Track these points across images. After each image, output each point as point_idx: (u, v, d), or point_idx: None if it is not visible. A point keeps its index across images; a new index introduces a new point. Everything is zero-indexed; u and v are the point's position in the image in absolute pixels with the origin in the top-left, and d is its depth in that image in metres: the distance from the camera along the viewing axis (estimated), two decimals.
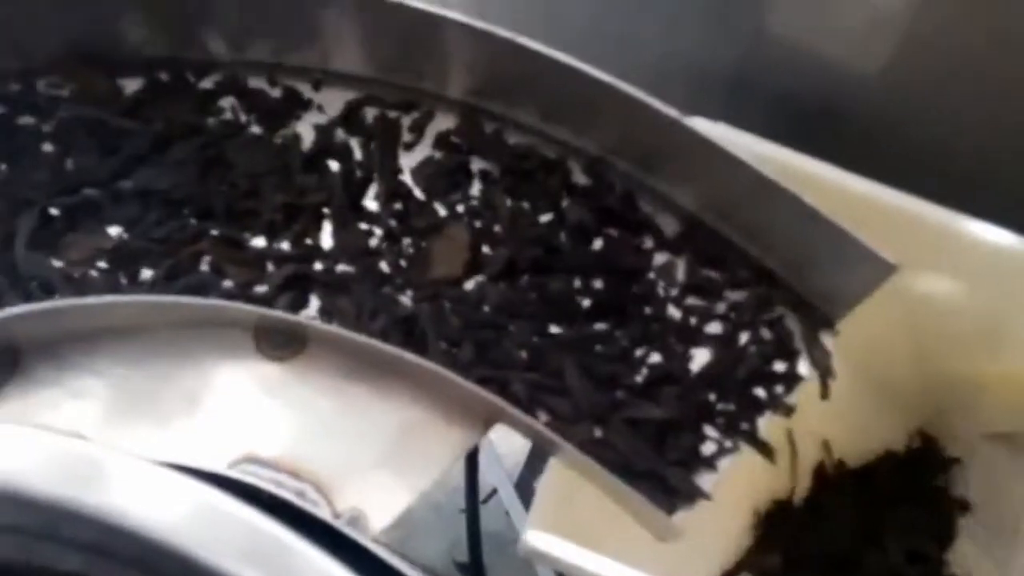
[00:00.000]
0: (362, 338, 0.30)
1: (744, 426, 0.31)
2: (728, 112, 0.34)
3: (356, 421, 0.31)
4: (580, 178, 0.34)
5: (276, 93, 0.34)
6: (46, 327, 0.31)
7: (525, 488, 0.54)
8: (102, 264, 0.31)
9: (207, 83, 0.34)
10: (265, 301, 0.31)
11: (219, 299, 0.31)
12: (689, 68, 0.42)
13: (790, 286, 0.32)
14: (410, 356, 0.29)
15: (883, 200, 0.38)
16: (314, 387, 0.31)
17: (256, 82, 0.33)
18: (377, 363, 0.31)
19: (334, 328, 0.31)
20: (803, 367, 0.33)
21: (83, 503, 0.19)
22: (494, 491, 0.57)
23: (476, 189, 0.34)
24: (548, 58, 0.29)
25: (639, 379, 0.32)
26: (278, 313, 0.31)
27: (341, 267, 0.32)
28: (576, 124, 0.32)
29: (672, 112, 0.29)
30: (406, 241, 0.32)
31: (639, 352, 0.32)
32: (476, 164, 0.34)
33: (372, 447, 0.31)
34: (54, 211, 0.32)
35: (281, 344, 0.31)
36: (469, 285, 0.32)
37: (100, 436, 0.31)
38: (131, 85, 0.34)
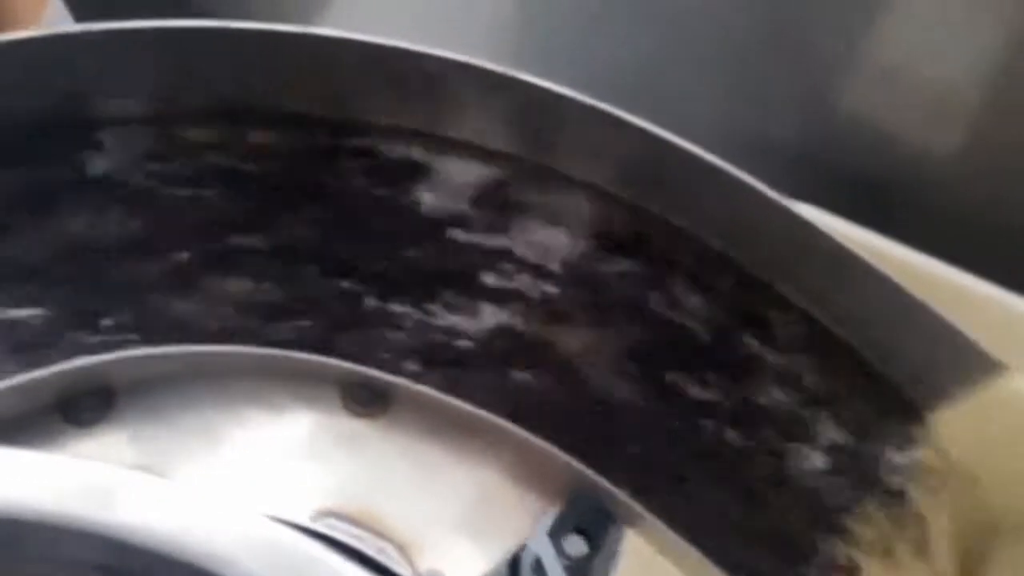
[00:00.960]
0: (451, 399, 0.31)
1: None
2: (787, 186, 0.34)
3: (438, 482, 0.31)
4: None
5: (410, 157, 0.34)
6: (142, 370, 0.32)
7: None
8: (225, 310, 0.32)
9: (348, 143, 0.35)
10: (353, 357, 0.31)
11: (311, 353, 0.32)
12: (748, 139, 0.42)
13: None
14: (500, 420, 0.30)
15: (979, 292, 0.37)
16: (398, 445, 0.32)
17: (388, 146, 0.33)
18: (462, 425, 0.31)
19: (424, 389, 0.31)
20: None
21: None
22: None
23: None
24: (686, 152, 0.29)
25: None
26: (366, 369, 0.31)
27: (460, 342, 0.32)
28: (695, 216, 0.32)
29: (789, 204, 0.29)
30: (529, 323, 0.32)
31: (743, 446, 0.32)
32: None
33: (453, 509, 0.31)
34: (182, 256, 0.33)
35: (367, 401, 0.32)
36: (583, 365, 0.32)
37: (183, 477, 0.32)
38: (270, 138, 0.34)
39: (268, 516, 0.22)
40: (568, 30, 0.44)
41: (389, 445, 0.32)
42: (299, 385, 0.32)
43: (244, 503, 0.31)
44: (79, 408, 0.32)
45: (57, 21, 0.71)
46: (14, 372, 0.32)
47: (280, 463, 0.32)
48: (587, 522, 0.33)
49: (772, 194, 0.28)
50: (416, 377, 0.31)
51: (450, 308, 0.32)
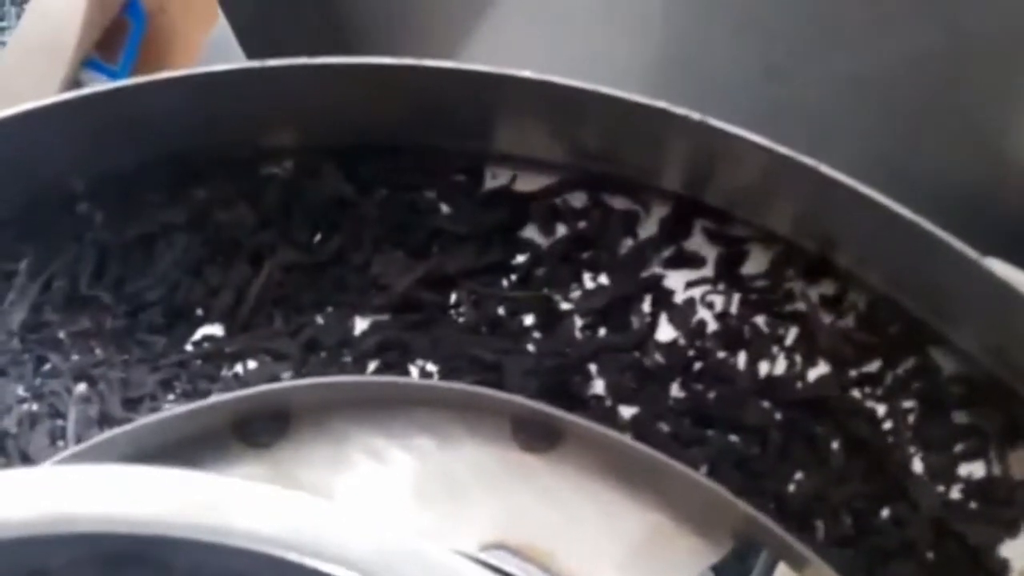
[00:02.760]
0: (622, 438, 0.31)
1: None
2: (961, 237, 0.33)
3: (606, 519, 0.31)
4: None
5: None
6: (318, 396, 0.33)
7: None
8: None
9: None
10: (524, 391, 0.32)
11: (482, 387, 0.32)
12: (921, 187, 0.41)
13: None
14: (672, 461, 0.30)
15: None
16: (568, 481, 0.32)
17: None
18: (632, 464, 0.31)
19: (595, 426, 0.31)
20: None
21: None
22: None
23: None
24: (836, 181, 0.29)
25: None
26: (537, 404, 0.32)
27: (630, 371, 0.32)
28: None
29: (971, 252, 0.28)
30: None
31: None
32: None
33: (619, 547, 0.31)
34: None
35: (538, 435, 0.32)
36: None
37: (352, 501, 0.32)
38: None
39: (436, 544, 0.22)
40: (732, 69, 0.44)
41: (558, 480, 0.32)
42: (470, 416, 0.32)
43: (412, 530, 0.31)
44: (255, 430, 0.33)
45: (220, 48, 0.74)
46: (194, 394, 0.33)
47: (448, 493, 0.32)
48: (753, 565, 0.33)
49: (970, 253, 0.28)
50: (594, 411, 0.31)
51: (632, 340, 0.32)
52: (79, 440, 0.31)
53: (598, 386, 0.32)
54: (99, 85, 0.32)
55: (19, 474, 0.22)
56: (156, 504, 0.21)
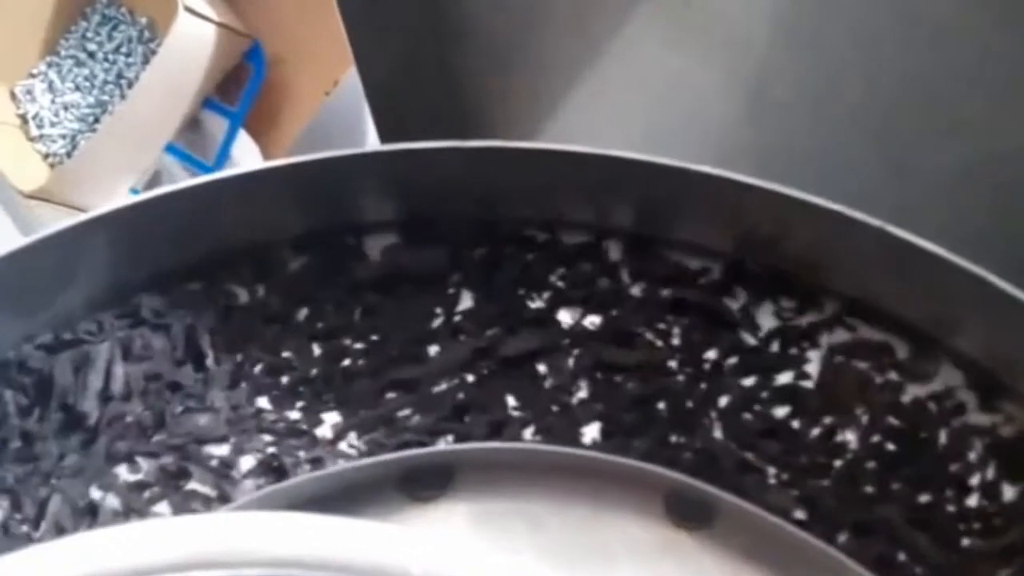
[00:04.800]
0: (779, 521, 0.32)
1: None
2: None
3: None
4: None
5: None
6: (484, 458, 0.34)
7: None
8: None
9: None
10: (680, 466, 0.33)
11: (640, 461, 0.33)
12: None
13: None
14: (832, 551, 0.31)
15: None
16: (719, 560, 0.33)
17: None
18: (787, 547, 0.32)
19: (751, 507, 0.32)
20: None
21: None
22: None
23: None
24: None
25: None
26: (693, 481, 0.33)
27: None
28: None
29: None
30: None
31: None
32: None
33: None
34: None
35: (691, 512, 0.33)
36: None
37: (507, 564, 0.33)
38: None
39: None
40: (810, 142, 0.45)
41: (709, 559, 0.33)
42: (626, 488, 0.34)
43: None
44: (420, 485, 0.34)
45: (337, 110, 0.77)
46: (364, 452, 0.34)
47: (599, 564, 0.33)
48: None
49: None
50: (751, 492, 0.32)
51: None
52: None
53: (757, 468, 0.33)
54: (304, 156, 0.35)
55: (196, 521, 0.23)
56: (331, 549, 0.23)
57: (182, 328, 0.36)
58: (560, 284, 0.36)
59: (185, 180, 0.78)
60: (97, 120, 0.83)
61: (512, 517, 0.34)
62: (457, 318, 0.36)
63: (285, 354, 0.36)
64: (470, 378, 0.35)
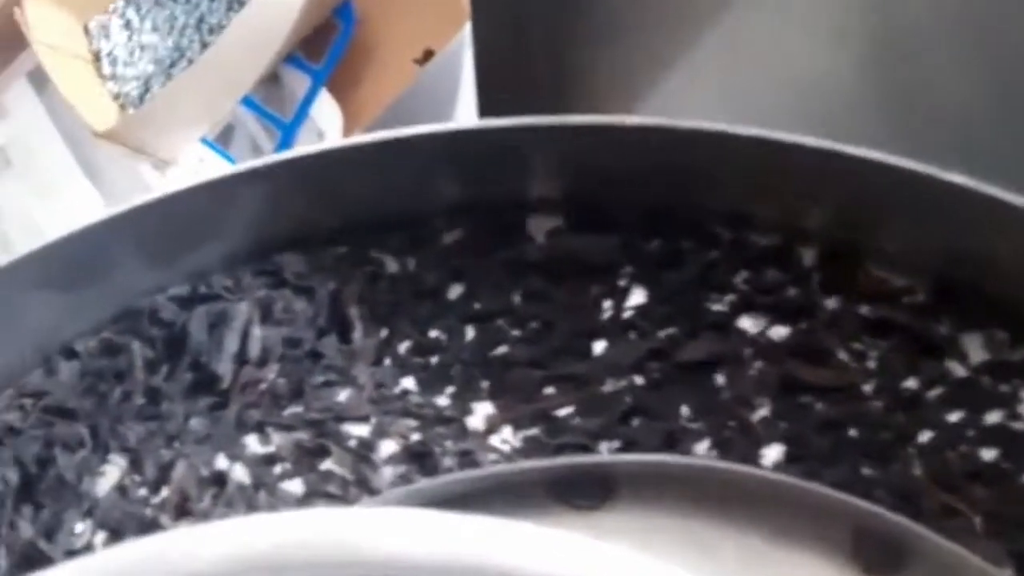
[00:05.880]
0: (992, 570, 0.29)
1: None
2: None
3: None
4: None
5: None
6: (646, 470, 0.31)
7: None
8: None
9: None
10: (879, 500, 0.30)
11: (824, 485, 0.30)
12: None
13: None
14: None
15: None
16: None
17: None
18: None
19: (950, 554, 0.29)
20: None
21: None
22: None
23: None
24: None
25: None
26: (889, 516, 0.30)
27: None
28: None
29: None
30: None
31: None
32: None
33: None
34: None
35: (884, 555, 0.30)
36: None
37: None
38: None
39: None
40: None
41: None
42: (808, 519, 0.31)
43: None
44: (578, 493, 0.31)
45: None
46: (518, 450, 0.31)
47: None
48: None
49: None
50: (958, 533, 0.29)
51: None
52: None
53: (962, 512, 0.30)
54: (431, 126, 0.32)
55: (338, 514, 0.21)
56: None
57: (327, 294, 0.33)
58: (744, 288, 0.33)
59: (262, 135, 0.75)
60: (173, 64, 0.80)
61: (679, 539, 0.31)
62: (628, 313, 0.33)
63: (434, 333, 0.33)
64: (640, 381, 0.32)
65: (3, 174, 0.88)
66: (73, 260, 0.31)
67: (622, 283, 0.34)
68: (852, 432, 0.31)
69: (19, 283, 0.30)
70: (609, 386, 0.32)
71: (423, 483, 0.30)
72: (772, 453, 0.32)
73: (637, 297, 0.33)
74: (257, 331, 0.32)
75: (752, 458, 0.31)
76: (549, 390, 0.32)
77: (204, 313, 0.32)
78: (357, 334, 0.32)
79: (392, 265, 0.34)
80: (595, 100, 0.58)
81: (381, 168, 0.33)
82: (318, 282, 0.33)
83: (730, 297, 0.33)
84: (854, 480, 0.31)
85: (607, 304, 0.33)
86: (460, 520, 0.20)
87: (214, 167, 0.77)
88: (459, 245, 0.34)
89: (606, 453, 0.31)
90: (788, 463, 0.31)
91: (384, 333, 0.33)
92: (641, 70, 0.54)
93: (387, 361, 0.33)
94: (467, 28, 0.67)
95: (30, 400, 0.31)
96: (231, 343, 0.32)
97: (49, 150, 0.85)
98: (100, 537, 0.30)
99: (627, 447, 0.32)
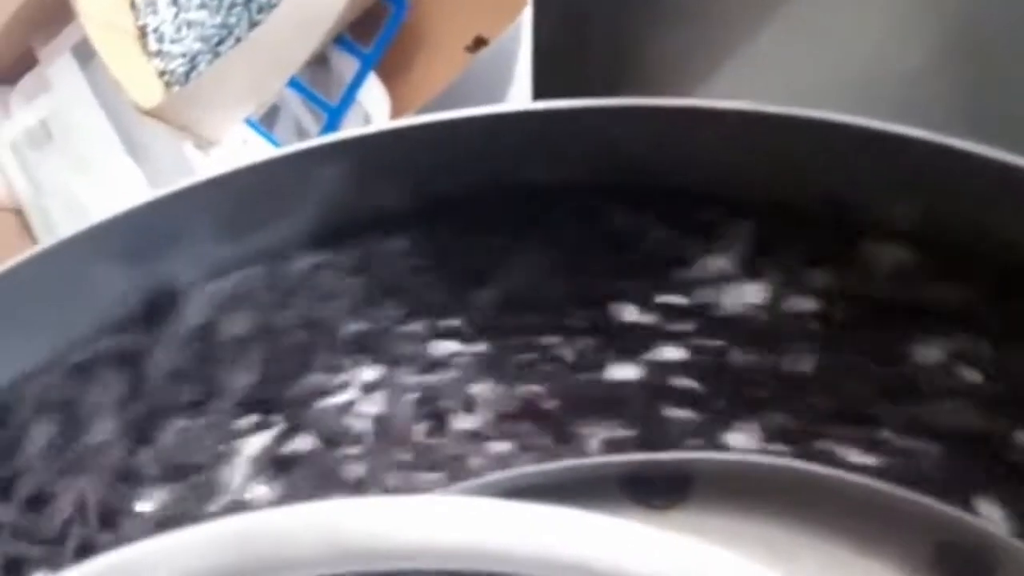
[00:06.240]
0: None
1: None
2: None
3: None
4: None
5: None
6: (727, 470, 0.30)
7: None
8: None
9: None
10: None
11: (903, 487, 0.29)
12: None
13: None
14: None
15: None
16: None
17: None
18: None
19: None
20: None
21: None
22: None
23: None
24: None
25: None
26: (976, 520, 0.29)
27: None
28: None
29: None
30: None
31: None
32: None
33: None
34: None
35: (965, 567, 0.29)
36: None
37: None
38: None
39: None
40: None
41: None
42: (892, 528, 0.30)
43: None
44: (652, 492, 0.30)
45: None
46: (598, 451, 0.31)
47: None
48: None
49: None
50: None
51: None
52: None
53: None
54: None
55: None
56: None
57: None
58: None
59: (308, 118, 0.74)
60: (221, 42, 0.79)
61: (758, 544, 0.30)
62: None
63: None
64: None
65: (44, 148, 0.88)
66: (145, 231, 0.30)
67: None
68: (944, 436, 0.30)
69: (90, 253, 0.29)
70: None
71: (496, 475, 0.29)
72: (854, 456, 0.31)
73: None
74: None
75: (835, 460, 0.30)
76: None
77: None
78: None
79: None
80: (650, 91, 0.57)
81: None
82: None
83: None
84: (944, 487, 0.30)
85: None
86: (576, 516, 0.19)
87: (260, 148, 0.76)
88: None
89: (684, 451, 0.30)
90: (873, 467, 0.30)
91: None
92: (700, 57, 0.53)
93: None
94: (521, 18, 0.66)
95: None
96: None
97: (91, 125, 0.85)
98: None
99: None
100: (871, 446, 0.30)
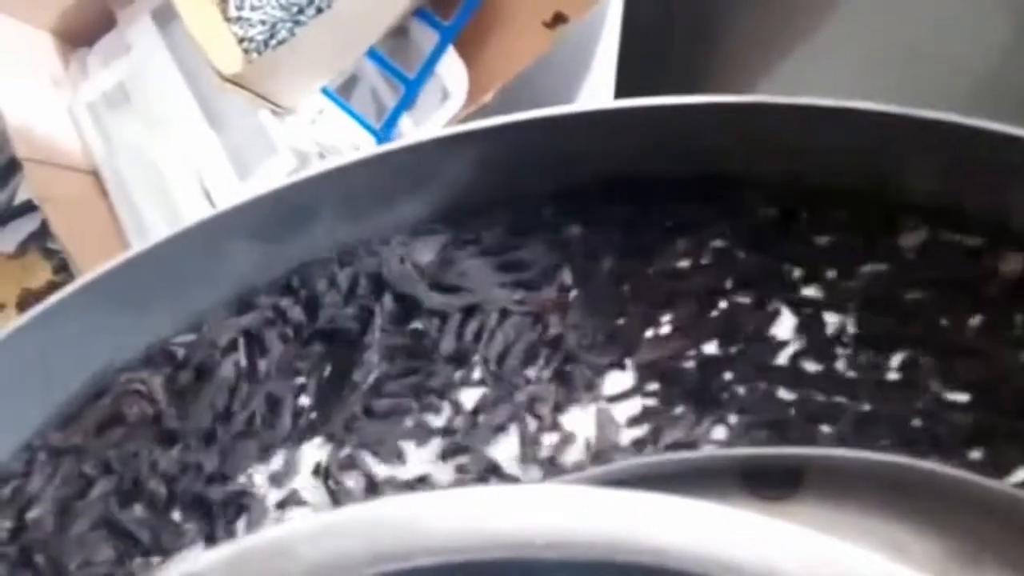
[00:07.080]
0: None
1: None
2: None
3: None
4: None
5: None
6: (837, 464, 0.31)
7: None
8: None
9: None
10: None
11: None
12: None
13: None
14: None
15: None
16: None
17: None
18: None
19: None
20: None
21: None
22: None
23: None
24: None
25: None
26: None
27: None
28: None
29: None
30: None
31: None
32: None
33: None
34: None
35: None
36: None
37: None
38: None
39: None
40: None
41: None
42: (1000, 523, 0.30)
43: None
44: (765, 484, 0.31)
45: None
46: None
47: None
48: None
49: None
50: None
51: None
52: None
53: None
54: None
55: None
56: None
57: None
58: None
59: (385, 89, 0.74)
60: (301, 11, 0.79)
61: (869, 537, 0.30)
62: None
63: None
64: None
65: (120, 109, 0.89)
66: (280, 212, 0.31)
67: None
68: None
69: (228, 231, 0.30)
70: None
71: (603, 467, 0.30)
72: (973, 453, 0.31)
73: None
74: None
75: (953, 453, 0.31)
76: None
77: None
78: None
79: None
80: (727, 79, 0.57)
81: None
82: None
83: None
84: None
85: None
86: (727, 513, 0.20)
87: (338, 118, 0.77)
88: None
89: (795, 446, 0.31)
90: (986, 464, 0.31)
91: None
92: (782, 40, 0.52)
93: None
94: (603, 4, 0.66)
95: None
96: None
97: (168, 89, 0.85)
98: None
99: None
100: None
